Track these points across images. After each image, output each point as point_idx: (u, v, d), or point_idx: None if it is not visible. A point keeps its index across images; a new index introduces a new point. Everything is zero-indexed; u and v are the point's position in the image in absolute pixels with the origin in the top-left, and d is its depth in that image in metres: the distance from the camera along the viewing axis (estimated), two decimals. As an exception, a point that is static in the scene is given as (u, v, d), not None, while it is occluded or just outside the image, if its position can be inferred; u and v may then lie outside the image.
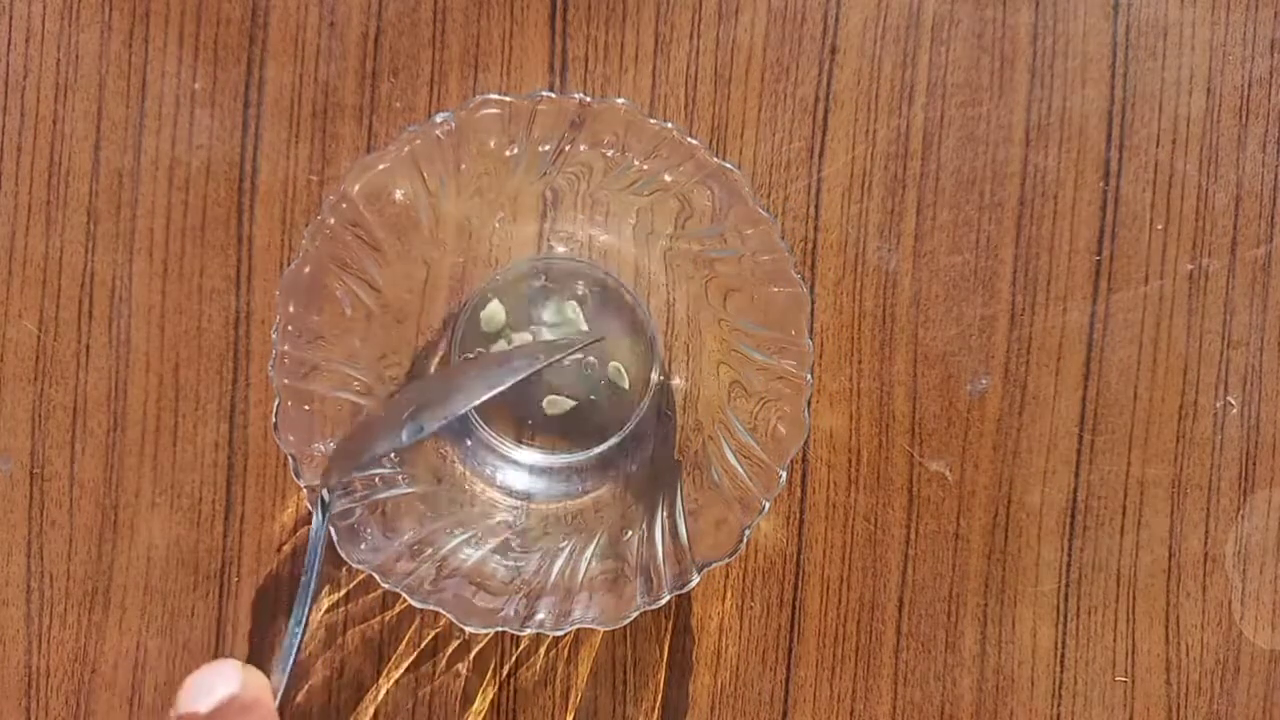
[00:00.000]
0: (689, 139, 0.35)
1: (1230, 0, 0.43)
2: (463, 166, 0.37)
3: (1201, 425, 0.43)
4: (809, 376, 0.36)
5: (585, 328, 0.42)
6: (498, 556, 0.39)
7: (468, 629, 0.36)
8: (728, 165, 0.36)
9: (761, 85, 0.43)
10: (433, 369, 0.42)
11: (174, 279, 0.42)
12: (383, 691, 0.42)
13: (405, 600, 0.36)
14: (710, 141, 0.43)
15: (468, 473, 0.42)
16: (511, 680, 0.42)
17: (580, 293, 0.42)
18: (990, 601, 0.43)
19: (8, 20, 0.43)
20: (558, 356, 0.39)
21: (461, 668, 0.42)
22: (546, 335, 0.42)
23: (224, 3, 0.43)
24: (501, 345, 0.42)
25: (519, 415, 0.42)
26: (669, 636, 0.42)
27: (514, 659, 0.42)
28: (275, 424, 0.35)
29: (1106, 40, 0.43)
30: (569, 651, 0.42)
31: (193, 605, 0.42)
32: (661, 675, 0.42)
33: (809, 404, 0.36)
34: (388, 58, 0.43)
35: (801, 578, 0.42)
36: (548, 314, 0.42)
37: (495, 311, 0.42)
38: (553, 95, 0.35)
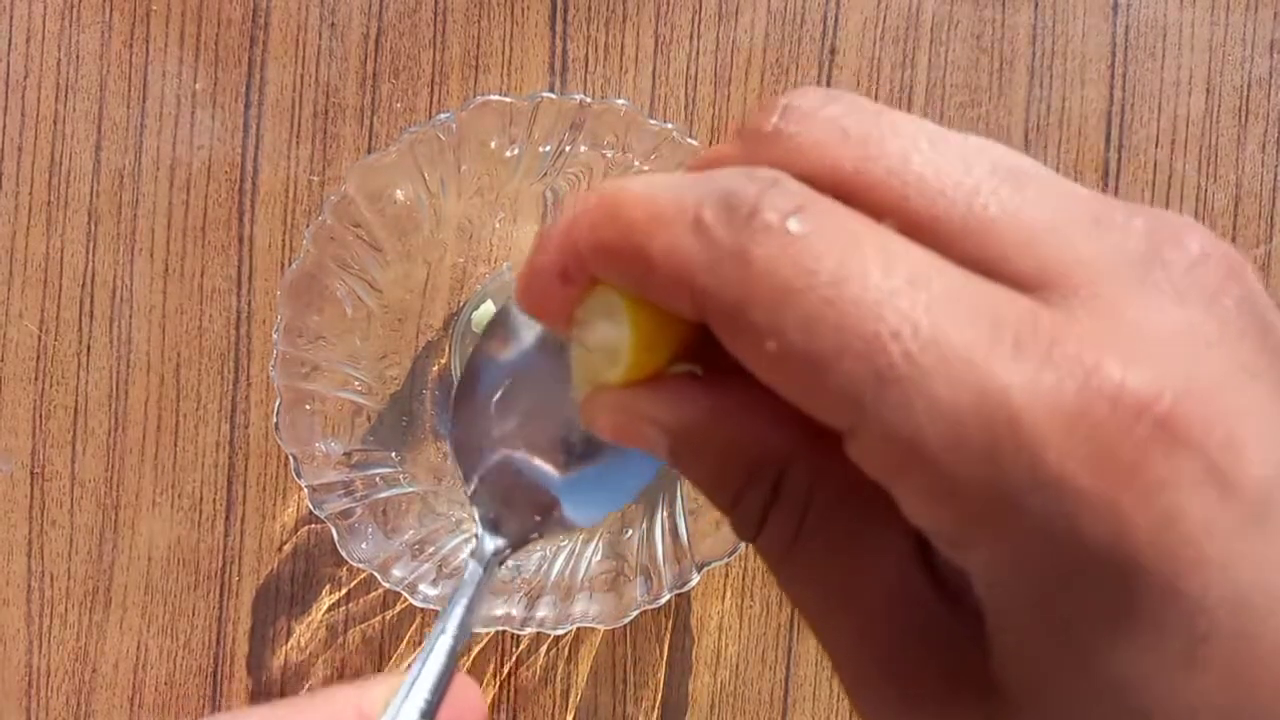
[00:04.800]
0: (689, 140, 0.36)
1: (1230, 0, 0.43)
2: (463, 167, 0.37)
3: (1200, 425, 0.43)
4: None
5: None
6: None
7: (468, 628, 0.36)
8: (728, 166, 0.36)
9: (761, 86, 0.43)
10: (433, 370, 0.42)
11: (175, 279, 0.42)
12: (383, 691, 0.42)
13: (406, 599, 0.36)
14: (710, 142, 0.43)
15: (468, 472, 0.42)
16: (511, 680, 0.42)
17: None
18: (989, 601, 0.43)
19: (8, 20, 0.43)
20: None
21: (461, 667, 0.42)
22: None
23: (225, 3, 0.43)
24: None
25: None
26: (669, 635, 0.42)
27: (514, 658, 0.42)
28: (276, 424, 0.35)
29: (1106, 40, 0.43)
30: (569, 651, 0.42)
31: (194, 605, 0.42)
32: (661, 674, 0.42)
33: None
34: (388, 59, 0.43)
35: (801, 577, 0.42)
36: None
37: (487, 312, 0.42)
38: (553, 96, 0.35)
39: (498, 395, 0.27)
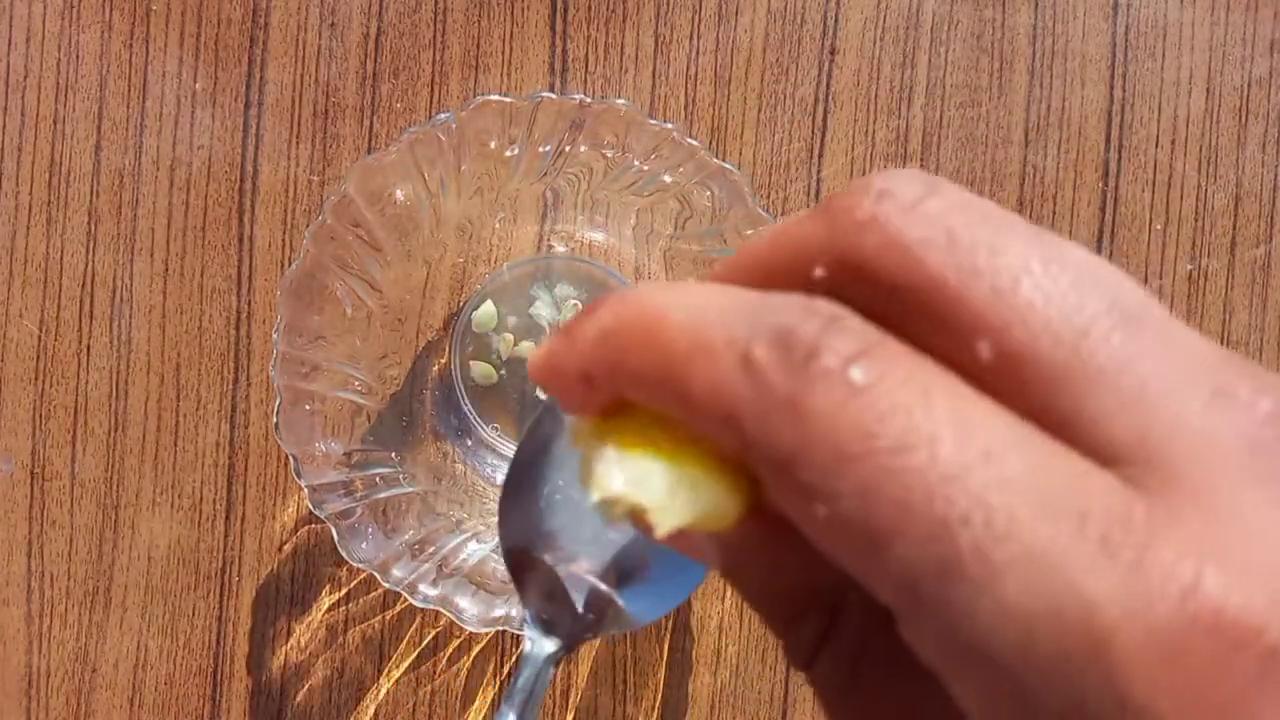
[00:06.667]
0: (689, 140, 0.36)
1: (1230, 0, 0.43)
2: (463, 167, 0.37)
3: (1200, 425, 0.43)
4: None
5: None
6: (498, 556, 0.39)
7: (468, 628, 0.36)
8: (727, 166, 0.36)
9: (761, 86, 0.43)
10: (433, 370, 0.42)
11: (175, 279, 0.42)
12: (383, 691, 0.42)
13: (406, 599, 0.36)
14: (710, 142, 0.43)
15: (468, 472, 0.42)
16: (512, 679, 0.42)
17: (581, 293, 0.42)
18: (989, 601, 0.43)
19: (8, 20, 0.43)
20: None
21: (461, 667, 0.42)
22: (546, 327, 0.42)
23: (225, 3, 0.43)
24: (494, 344, 0.42)
25: (519, 413, 0.42)
26: (669, 636, 0.42)
27: (514, 658, 0.42)
28: (276, 424, 0.35)
29: (1106, 41, 0.43)
30: (569, 651, 0.42)
31: (193, 605, 0.42)
32: (661, 674, 0.42)
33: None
34: (388, 59, 0.43)
35: (801, 577, 0.42)
36: (546, 314, 0.42)
37: (488, 312, 0.42)
38: (553, 96, 0.35)
39: (545, 492, 0.25)
